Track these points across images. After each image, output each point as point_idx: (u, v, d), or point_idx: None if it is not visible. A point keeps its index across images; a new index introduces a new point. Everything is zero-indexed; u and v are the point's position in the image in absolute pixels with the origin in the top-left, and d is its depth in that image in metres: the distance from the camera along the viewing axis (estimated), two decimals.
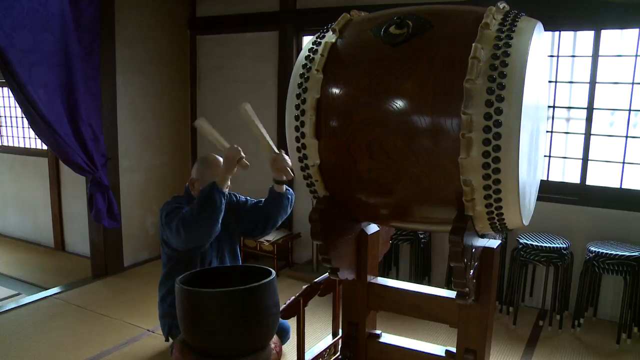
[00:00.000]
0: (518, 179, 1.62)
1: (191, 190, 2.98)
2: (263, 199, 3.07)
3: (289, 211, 3.05)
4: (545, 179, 3.97)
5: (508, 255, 3.89)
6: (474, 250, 1.87)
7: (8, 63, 3.54)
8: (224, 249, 3.05)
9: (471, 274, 1.85)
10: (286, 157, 2.76)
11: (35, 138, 5.58)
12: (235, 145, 2.78)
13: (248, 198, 3.16)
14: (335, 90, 1.86)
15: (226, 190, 2.75)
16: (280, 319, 2.76)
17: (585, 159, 3.85)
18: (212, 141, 2.86)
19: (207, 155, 3.05)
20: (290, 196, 3.01)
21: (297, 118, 1.91)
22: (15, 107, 5.79)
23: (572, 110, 3.95)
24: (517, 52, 1.61)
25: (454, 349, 2.21)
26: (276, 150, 2.82)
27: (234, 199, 3.12)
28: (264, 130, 2.79)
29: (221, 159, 2.98)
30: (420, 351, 2.33)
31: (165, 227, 2.79)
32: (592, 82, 3.74)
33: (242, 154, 2.76)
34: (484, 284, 2.06)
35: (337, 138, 1.87)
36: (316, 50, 1.93)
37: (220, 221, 2.73)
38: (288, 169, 2.79)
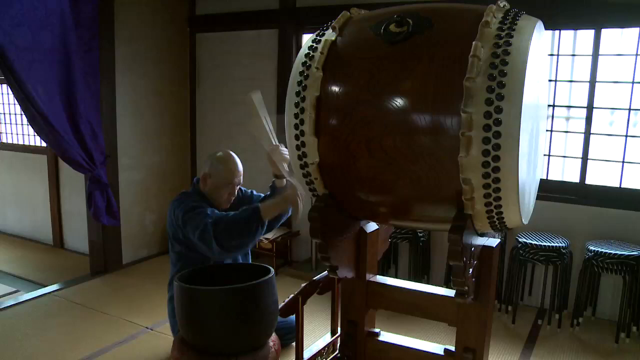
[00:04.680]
0: (518, 177, 1.62)
1: (202, 186, 2.88)
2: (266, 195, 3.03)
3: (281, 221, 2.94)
4: (544, 177, 3.97)
5: (507, 254, 3.89)
6: (473, 249, 1.86)
7: (7, 60, 3.54)
8: None
9: (470, 272, 1.85)
10: (285, 149, 2.65)
11: (35, 135, 5.58)
12: (297, 182, 2.52)
13: (254, 192, 3.11)
14: (335, 88, 1.86)
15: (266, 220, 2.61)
16: (288, 319, 2.76)
17: (584, 158, 3.85)
18: (256, 128, 2.63)
19: (222, 151, 2.94)
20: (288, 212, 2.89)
21: (296, 116, 1.91)
22: (15, 104, 5.79)
23: (572, 109, 3.94)
24: (517, 50, 1.60)
25: (452, 348, 2.21)
26: (275, 142, 2.69)
27: (239, 193, 3.05)
28: (268, 120, 2.65)
29: (235, 156, 2.91)
30: (419, 350, 2.33)
31: (186, 225, 2.65)
32: (592, 81, 3.74)
33: (301, 194, 2.60)
34: (483, 283, 2.06)
35: (336, 136, 1.86)
36: (316, 48, 1.92)
37: (251, 246, 2.66)
38: (284, 164, 2.67)
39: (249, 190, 3.12)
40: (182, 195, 2.87)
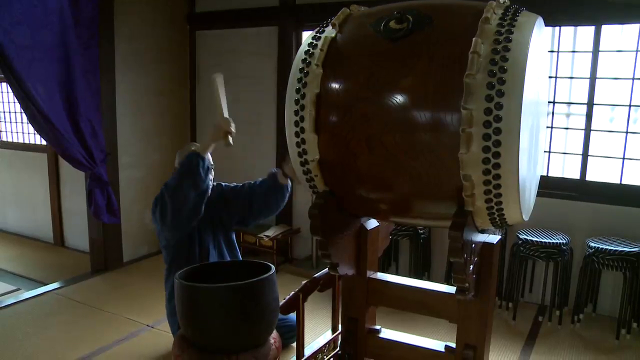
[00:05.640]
0: (518, 174, 1.62)
1: None
2: (252, 182, 3.09)
3: (283, 204, 3.06)
4: (545, 174, 3.96)
5: (508, 251, 3.89)
6: (473, 245, 1.86)
7: (7, 59, 3.53)
8: (220, 239, 3.06)
9: (471, 269, 1.85)
10: (232, 122, 2.81)
11: (35, 134, 5.57)
12: (230, 119, 2.80)
13: (236, 184, 3.18)
14: (335, 85, 1.85)
15: (207, 157, 2.79)
16: (290, 318, 2.78)
17: (585, 155, 3.84)
18: (215, 101, 2.86)
19: (188, 145, 3.08)
20: (289, 189, 3.02)
21: (296, 113, 1.90)
22: (15, 102, 5.77)
23: (572, 105, 3.94)
24: (517, 46, 1.60)
25: (453, 345, 2.21)
26: (225, 115, 2.82)
27: (221, 187, 3.14)
28: (224, 97, 2.85)
29: None
30: (419, 347, 2.33)
31: (153, 211, 2.81)
32: (592, 78, 3.73)
33: (233, 129, 2.79)
34: (483, 280, 2.06)
35: (336, 133, 1.86)
36: (316, 45, 1.92)
37: (203, 189, 2.75)
38: (229, 136, 2.80)
39: (232, 184, 3.19)
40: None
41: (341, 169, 1.93)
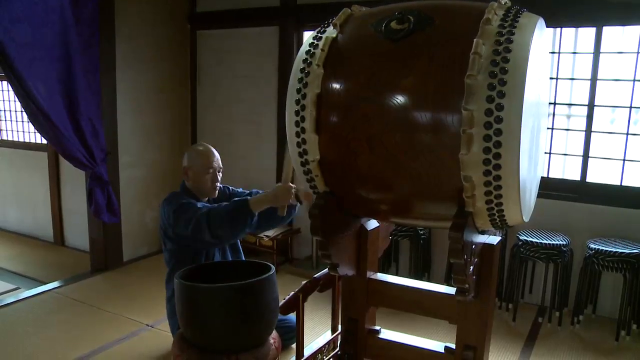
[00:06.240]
0: (519, 175, 1.61)
1: (185, 181, 2.96)
2: (257, 191, 2.99)
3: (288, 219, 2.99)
4: (545, 175, 3.96)
5: (508, 252, 3.89)
6: (474, 246, 1.86)
7: (7, 57, 3.53)
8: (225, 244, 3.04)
9: (471, 270, 1.85)
10: (293, 186, 2.62)
11: (35, 132, 5.58)
12: (289, 185, 2.60)
13: (242, 190, 3.15)
14: (336, 85, 1.85)
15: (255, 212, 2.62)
16: (289, 318, 2.77)
17: (585, 156, 3.84)
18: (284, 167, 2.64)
19: (199, 144, 3.04)
20: (293, 212, 2.89)
21: (297, 113, 1.90)
22: (15, 101, 5.79)
23: (572, 107, 3.94)
24: (518, 47, 1.60)
25: (453, 345, 2.21)
26: (288, 182, 2.60)
27: (227, 191, 3.11)
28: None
29: (208, 145, 3.00)
30: (419, 347, 2.33)
31: (178, 220, 2.69)
32: (593, 79, 3.73)
33: (293, 191, 2.62)
34: (483, 281, 2.05)
35: (337, 133, 1.86)
36: (317, 45, 1.92)
37: (241, 236, 2.74)
38: (292, 196, 2.64)
39: (239, 189, 3.16)
40: (172, 195, 2.92)
41: (341, 169, 1.92)
